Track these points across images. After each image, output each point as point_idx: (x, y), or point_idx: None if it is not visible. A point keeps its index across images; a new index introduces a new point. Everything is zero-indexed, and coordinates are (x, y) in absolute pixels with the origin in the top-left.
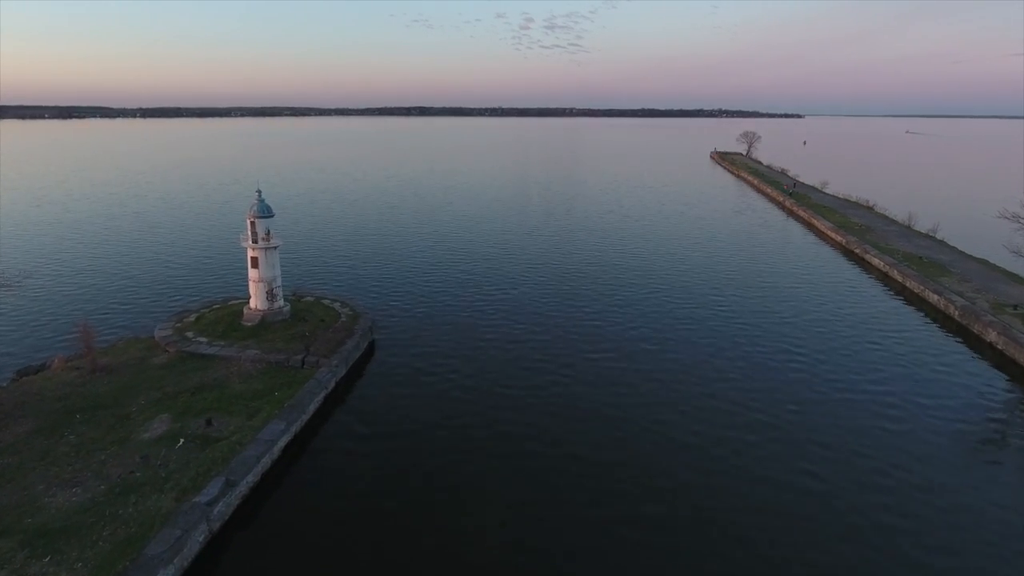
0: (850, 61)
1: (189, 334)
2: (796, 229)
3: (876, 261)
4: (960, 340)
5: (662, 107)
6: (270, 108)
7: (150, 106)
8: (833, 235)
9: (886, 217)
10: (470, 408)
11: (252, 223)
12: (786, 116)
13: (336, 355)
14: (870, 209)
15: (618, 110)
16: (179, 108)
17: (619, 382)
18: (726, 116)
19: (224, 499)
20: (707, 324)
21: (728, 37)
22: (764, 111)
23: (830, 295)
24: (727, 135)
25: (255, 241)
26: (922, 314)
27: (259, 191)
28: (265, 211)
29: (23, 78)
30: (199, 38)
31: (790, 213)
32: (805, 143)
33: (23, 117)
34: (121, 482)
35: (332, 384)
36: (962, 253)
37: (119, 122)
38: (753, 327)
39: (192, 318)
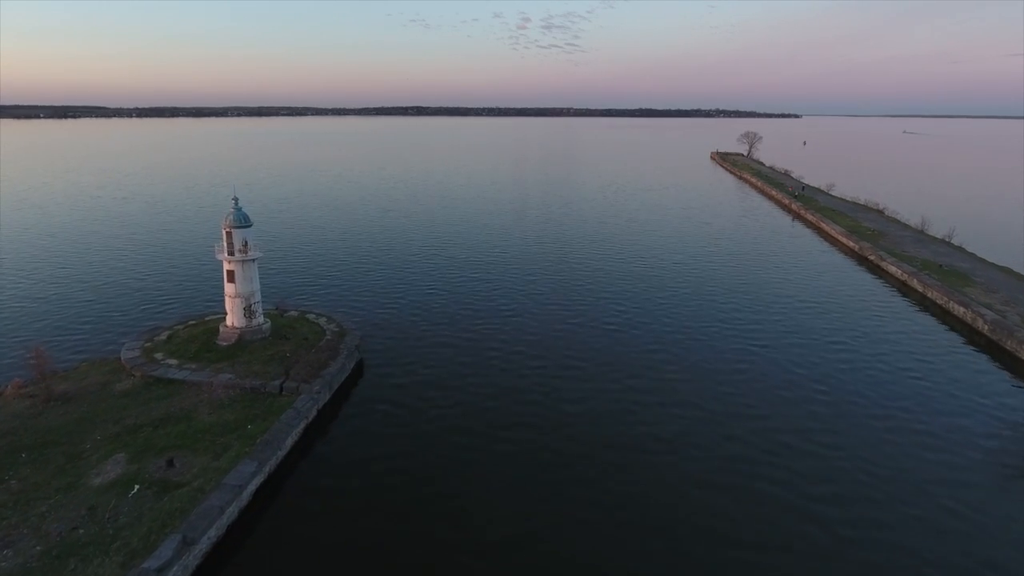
0: (847, 61)
1: (158, 355)
2: (805, 234)
3: (893, 269)
4: (992, 358)
5: (659, 107)
6: (267, 108)
7: (146, 106)
8: (845, 240)
9: (898, 221)
10: (467, 437)
11: (228, 233)
12: (783, 116)
13: (319, 379)
14: (880, 213)
15: (616, 110)
16: (175, 108)
17: (626, 407)
18: (723, 116)
19: (180, 562)
20: (720, 343)
21: (725, 37)
22: (761, 111)
23: (848, 307)
24: (726, 135)
25: (231, 253)
26: (948, 329)
27: (235, 199)
28: (242, 220)
29: (19, 78)
30: (196, 38)
31: (797, 216)
32: (805, 143)
33: (18, 117)
34: (61, 542)
35: (313, 413)
36: (983, 260)
37: (115, 122)
38: (767, 341)
39: (164, 336)
